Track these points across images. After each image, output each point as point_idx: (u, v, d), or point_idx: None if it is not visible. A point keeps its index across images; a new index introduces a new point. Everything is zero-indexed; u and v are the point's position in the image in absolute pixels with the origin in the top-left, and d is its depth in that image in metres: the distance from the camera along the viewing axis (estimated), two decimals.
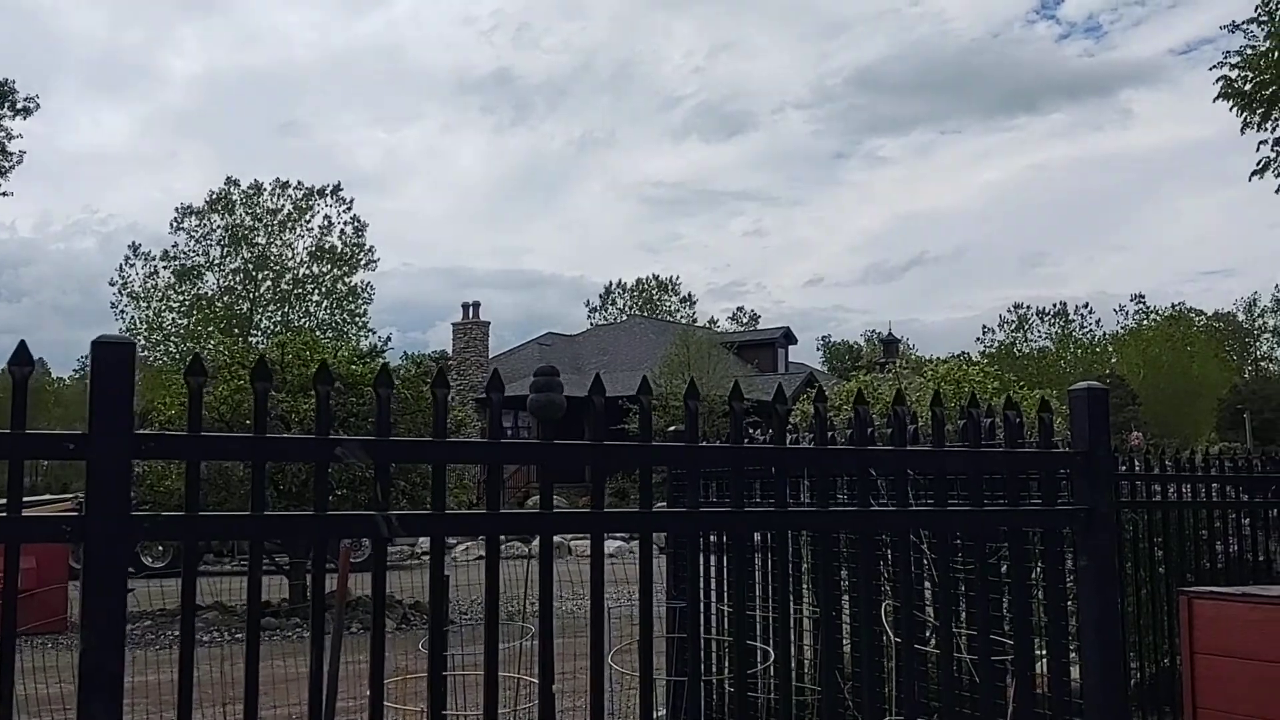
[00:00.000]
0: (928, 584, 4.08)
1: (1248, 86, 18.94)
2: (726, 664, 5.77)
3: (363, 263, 53.37)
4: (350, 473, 12.39)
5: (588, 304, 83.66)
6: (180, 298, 51.20)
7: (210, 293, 51.98)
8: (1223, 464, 6.88)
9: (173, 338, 50.64)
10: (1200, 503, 6.51)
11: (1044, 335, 73.32)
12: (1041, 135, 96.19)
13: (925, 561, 3.71)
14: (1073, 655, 3.09)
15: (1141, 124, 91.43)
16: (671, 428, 5.95)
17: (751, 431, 5.75)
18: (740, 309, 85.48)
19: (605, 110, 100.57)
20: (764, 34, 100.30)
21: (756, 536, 5.44)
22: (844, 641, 4.38)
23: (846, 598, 4.11)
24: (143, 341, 50.18)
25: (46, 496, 20.93)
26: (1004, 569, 3.76)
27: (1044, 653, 3.25)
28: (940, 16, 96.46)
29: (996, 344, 70.45)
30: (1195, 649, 4.41)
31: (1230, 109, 19.17)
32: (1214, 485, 6.63)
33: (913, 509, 2.78)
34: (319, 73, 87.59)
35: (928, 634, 3.68)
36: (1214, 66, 19.46)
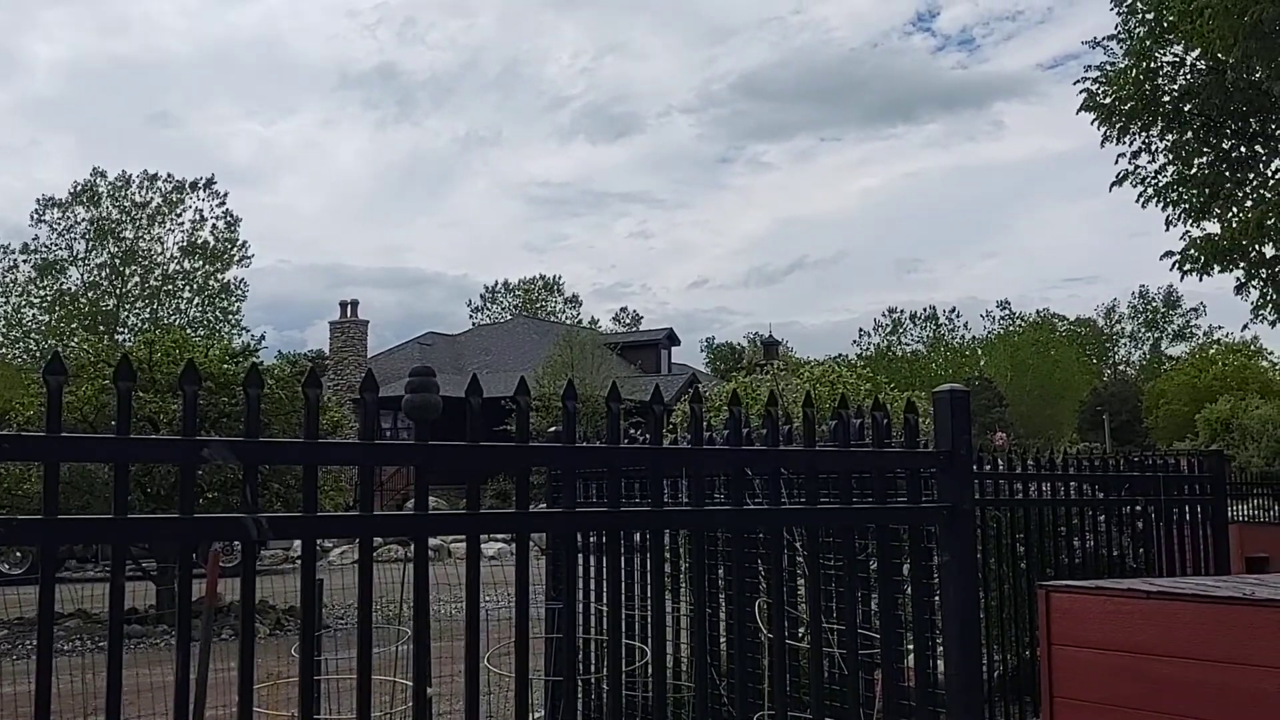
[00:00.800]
0: (800, 581, 4.18)
1: (1108, 100, 19.84)
2: (604, 664, 5.82)
3: (236, 259, 51.93)
4: (222, 475, 12.04)
5: (470, 304, 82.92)
6: (42, 293, 49.05)
7: (74, 288, 49.92)
8: (1080, 463, 7.20)
9: (33, 334, 48.50)
10: (1059, 500, 6.80)
11: (916, 339, 75.48)
12: (918, 144, 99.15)
13: (798, 559, 3.80)
14: (939, 649, 3.20)
15: (1013, 135, 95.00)
16: (552, 428, 5.96)
17: (633, 432, 5.80)
18: (624, 309, 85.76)
19: (491, 109, 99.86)
20: (652, 37, 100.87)
21: (635, 536, 5.51)
22: (720, 639, 4.47)
23: (723, 596, 4.19)
24: (0, 339, 47.98)
25: None
26: (872, 565, 3.87)
27: (911, 646, 3.36)
28: (823, 25, 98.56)
29: (872, 347, 72.20)
30: (1052, 640, 4.60)
31: (1091, 122, 20.07)
32: (1072, 484, 6.93)
33: (785, 507, 2.85)
34: (191, 62, 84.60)
35: (800, 630, 3.76)
36: (1077, 81, 20.34)
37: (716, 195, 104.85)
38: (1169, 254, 19.10)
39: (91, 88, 79.78)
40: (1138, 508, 7.32)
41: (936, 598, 3.15)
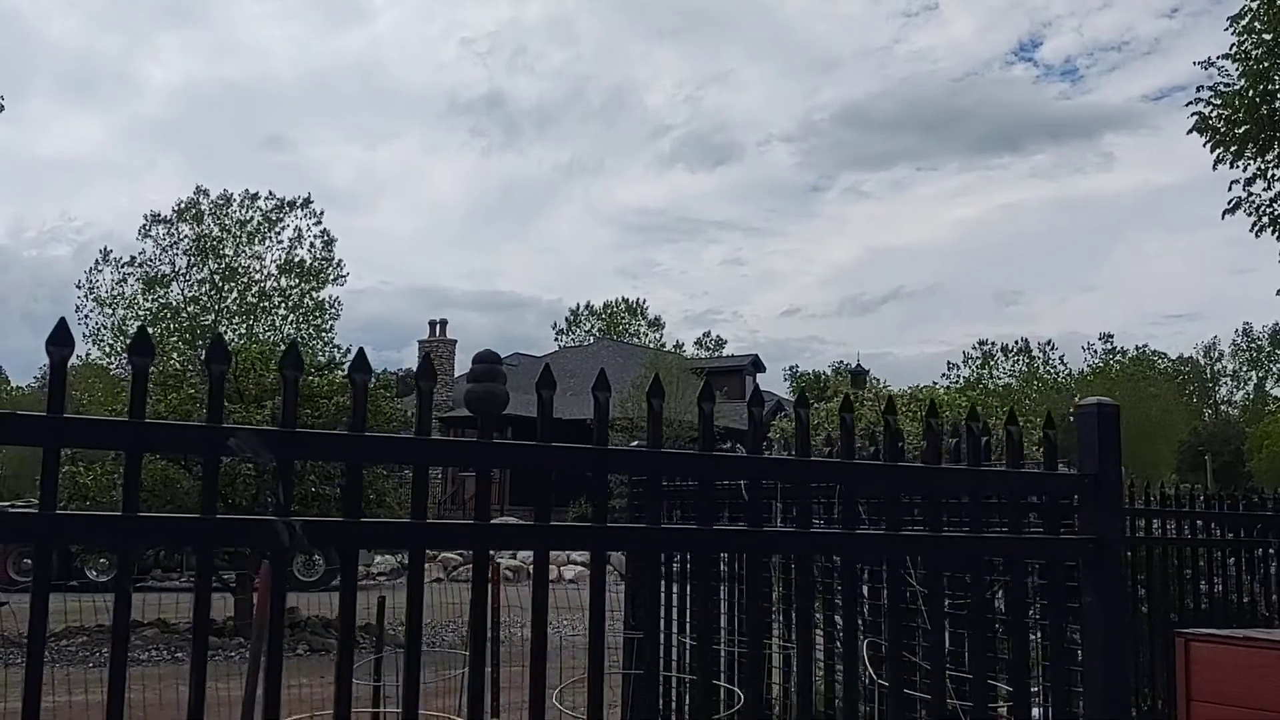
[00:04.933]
0: (916, 620, 3.75)
1: (1221, 124, 18.99)
2: (687, 703, 5.41)
3: (331, 277, 52.69)
4: (302, 487, 11.89)
5: (554, 325, 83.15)
6: (148, 306, 50.28)
7: (175, 303, 51.10)
8: (1209, 501, 6.61)
9: None
10: (1187, 540, 6.23)
11: (1008, 372, 73.68)
12: (1024, 175, 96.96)
13: (909, 594, 3.38)
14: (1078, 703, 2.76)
15: (1122, 167, 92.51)
16: (634, 443, 5.60)
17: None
18: (707, 334, 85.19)
19: (594, 137, 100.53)
20: (754, 68, 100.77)
21: (724, 563, 5.11)
22: (819, 681, 4.04)
23: (823, 632, 3.79)
24: (107, 349, 49.25)
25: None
26: (999, 604, 3.43)
27: (1041, 697, 2.92)
28: (927, 56, 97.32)
29: (961, 379, 70.69)
30: (1192, 695, 4.08)
31: (1204, 144, 19.23)
32: (1198, 522, 6.35)
33: (905, 534, 2.45)
34: (298, 87, 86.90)
35: (915, 677, 3.34)
36: (1190, 102, 19.55)
37: (808, 224, 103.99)
38: None
39: (203, 111, 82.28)
40: (1270, 550, 6.69)
41: (1076, 644, 2.71)
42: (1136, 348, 74.71)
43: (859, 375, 54.92)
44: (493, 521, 2.03)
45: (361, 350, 1.98)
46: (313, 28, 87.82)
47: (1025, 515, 2.83)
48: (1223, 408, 77.89)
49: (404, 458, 2.09)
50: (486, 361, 2.17)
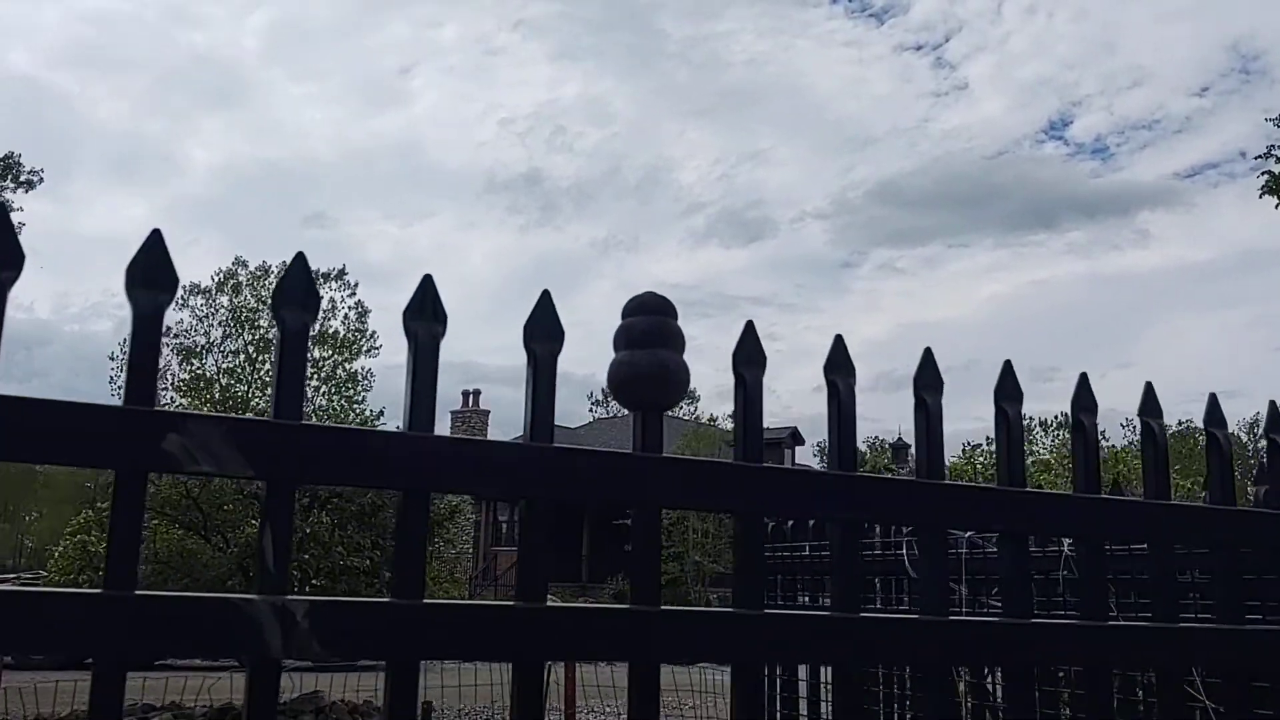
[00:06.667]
0: None
1: None
2: None
3: (365, 349, 52.22)
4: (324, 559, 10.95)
5: (590, 396, 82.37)
6: (183, 377, 49.99)
7: (210, 374, 50.79)
8: None
9: None
10: None
11: (1046, 448, 72.12)
12: (1059, 251, 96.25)
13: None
14: None
15: (1158, 244, 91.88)
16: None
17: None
18: None
19: (630, 214, 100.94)
20: (789, 146, 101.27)
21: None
22: None
23: None
24: None
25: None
26: None
27: None
28: (962, 134, 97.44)
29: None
30: None
31: (1276, 206, 18.36)
32: None
33: None
34: (339, 167, 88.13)
35: None
36: (1259, 157, 18.77)
37: (841, 300, 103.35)
38: None
39: (244, 190, 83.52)
40: None
41: None
42: (1179, 422, 73.04)
43: (900, 450, 53.54)
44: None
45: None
46: (352, 109, 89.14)
47: None
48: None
49: (478, 486, 1.17)
50: (652, 310, 1.27)
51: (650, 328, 1.35)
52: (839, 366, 1.64)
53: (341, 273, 53.61)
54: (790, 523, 4.80)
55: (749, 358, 1.54)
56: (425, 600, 1.14)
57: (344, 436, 1.25)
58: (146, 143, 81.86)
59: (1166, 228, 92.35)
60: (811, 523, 4.62)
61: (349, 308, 52.55)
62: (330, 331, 52.77)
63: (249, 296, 52.41)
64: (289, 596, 1.11)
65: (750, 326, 1.54)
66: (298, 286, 1.27)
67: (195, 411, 1.19)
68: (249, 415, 1.16)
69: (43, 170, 34.69)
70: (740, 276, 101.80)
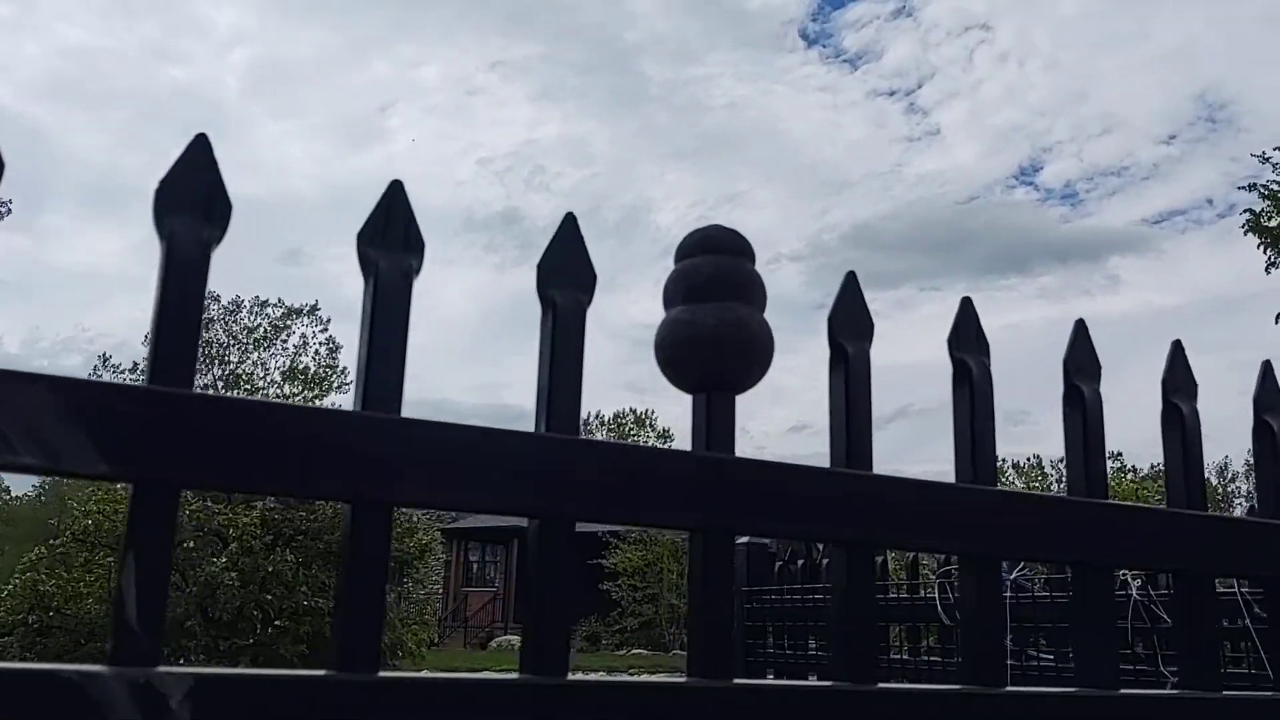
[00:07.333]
0: None
1: (1274, 223, 18.14)
2: None
3: (335, 385, 51.50)
4: (290, 600, 10.37)
5: None
6: None
7: None
8: None
9: None
10: None
11: (1021, 489, 72.30)
12: (1031, 295, 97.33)
13: None
14: None
15: (1128, 289, 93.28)
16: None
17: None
18: None
19: (609, 254, 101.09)
20: (766, 189, 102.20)
21: None
22: None
23: None
24: None
25: None
26: None
27: None
28: (935, 179, 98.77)
29: None
30: None
31: (1258, 246, 18.34)
32: None
33: None
34: (317, 203, 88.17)
35: None
36: (1243, 188, 18.79)
37: (815, 340, 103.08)
38: None
39: (230, 228, 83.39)
40: None
41: None
42: (1152, 465, 73.29)
43: None
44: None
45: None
46: (332, 146, 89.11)
47: None
48: None
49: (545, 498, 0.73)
50: (722, 248, 0.85)
51: (720, 272, 0.93)
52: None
53: (314, 308, 53.17)
54: (800, 560, 4.36)
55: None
56: (382, 674, 0.70)
57: (269, 414, 0.81)
58: (124, 177, 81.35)
59: (1136, 273, 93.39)
60: (824, 561, 4.19)
61: (319, 344, 52.16)
62: (301, 367, 52.29)
63: (220, 331, 51.88)
64: (161, 669, 0.66)
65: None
66: (188, 181, 0.84)
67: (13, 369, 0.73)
68: (108, 380, 0.73)
69: (10, 201, 34.02)
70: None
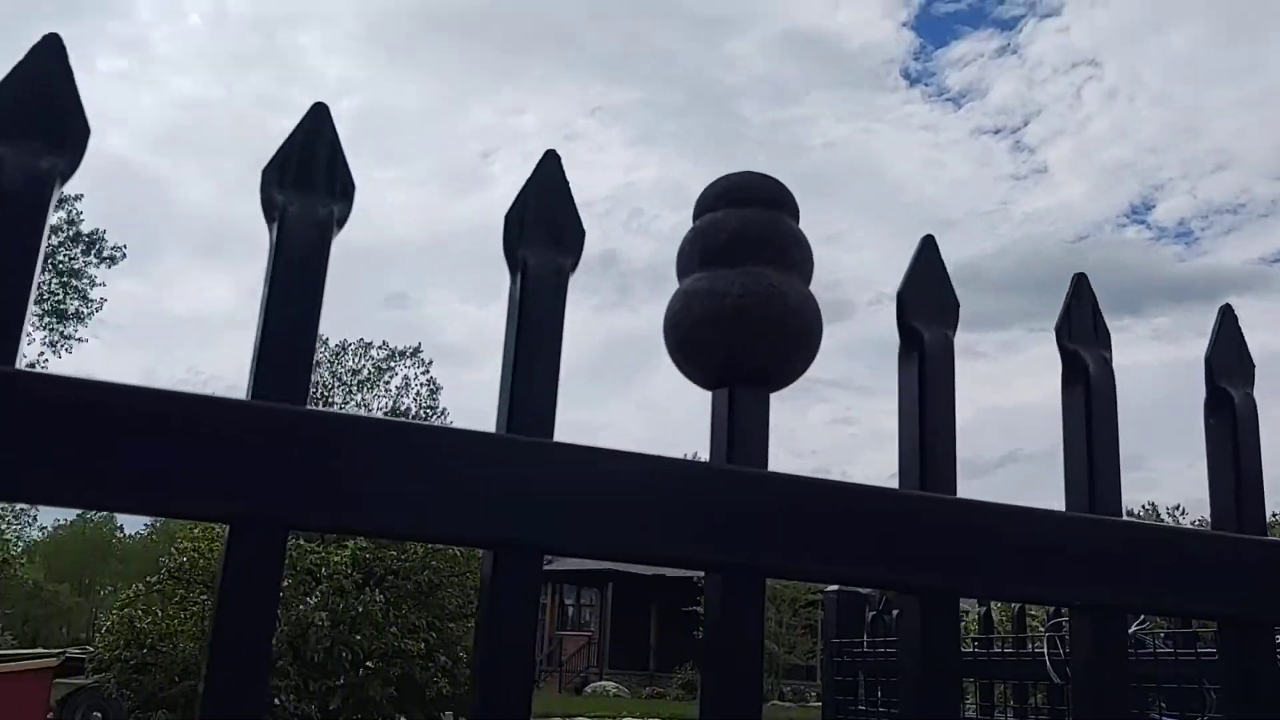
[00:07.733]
0: None
1: None
2: None
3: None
4: (376, 640, 10.25)
5: None
6: None
7: None
8: None
9: None
10: None
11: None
12: (1144, 336, 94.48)
13: None
14: None
15: (1248, 330, 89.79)
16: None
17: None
18: None
19: None
20: (866, 229, 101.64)
21: None
22: None
23: None
24: None
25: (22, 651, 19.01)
26: None
27: None
28: (1044, 217, 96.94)
29: None
30: None
31: None
32: None
33: None
34: (421, 249, 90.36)
35: None
36: None
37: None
38: None
39: (329, 271, 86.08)
40: None
41: None
42: (1274, 514, 70.11)
43: None
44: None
45: None
46: (435, 193, 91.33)
47: None
48: None
49: None
50: (752, 199, 0.64)
51: (749, 228, 0.69)
52: None
53: (416, 350, 54.09)
54: (895, 610, 4.05)
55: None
56: None
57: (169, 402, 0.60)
58: (234, 224, 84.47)
59: (1255, 314, 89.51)
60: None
61: (420, 384, 52.88)
62: (403, 409, 53.10)
63: (325, 373, 52.98)
64: None
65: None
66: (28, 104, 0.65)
67: None
68: None
69: (125, 246, 35.32)
70: (816, 358, 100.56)
